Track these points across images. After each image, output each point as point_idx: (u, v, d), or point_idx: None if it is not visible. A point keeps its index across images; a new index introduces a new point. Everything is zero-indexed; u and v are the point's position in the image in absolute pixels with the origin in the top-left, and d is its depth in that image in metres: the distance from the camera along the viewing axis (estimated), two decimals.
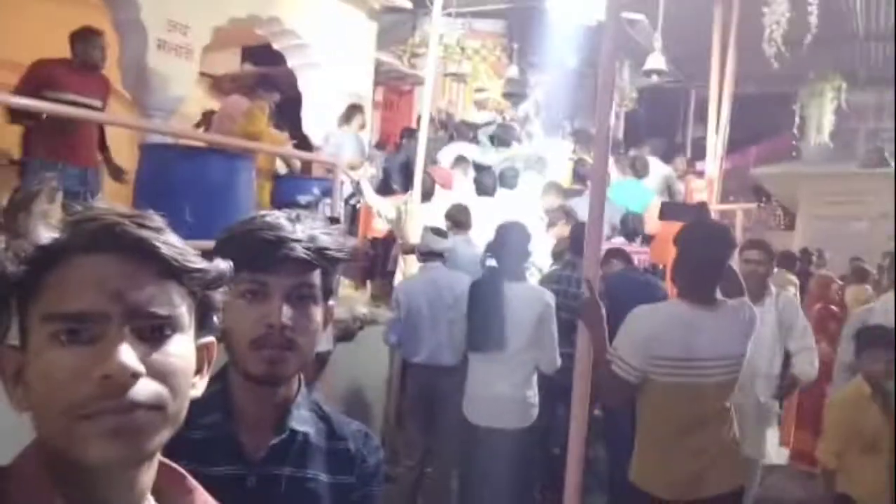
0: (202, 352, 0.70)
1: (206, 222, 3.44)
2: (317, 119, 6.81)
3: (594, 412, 3.57)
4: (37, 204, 0.64)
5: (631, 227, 5.40)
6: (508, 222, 3.52)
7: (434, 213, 5.16)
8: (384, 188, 6.54)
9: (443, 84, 9.87)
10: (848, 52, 10.22)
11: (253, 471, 0.99)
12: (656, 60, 7.47)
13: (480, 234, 4.73)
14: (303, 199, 4.98)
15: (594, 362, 2.40)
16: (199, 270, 0.67)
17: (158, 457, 0.67)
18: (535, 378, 3.33)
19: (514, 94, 9.50)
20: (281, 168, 6.01)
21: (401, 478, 3.81)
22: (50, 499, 0.62)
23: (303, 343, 0.99)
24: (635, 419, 2.52)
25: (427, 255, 3.86)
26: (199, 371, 0.70)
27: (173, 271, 0.65)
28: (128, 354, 0.60)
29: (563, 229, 4.88)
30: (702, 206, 6.32)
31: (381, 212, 5.45)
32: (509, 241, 3.38)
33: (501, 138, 7.39)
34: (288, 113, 6.63)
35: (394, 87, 9.79)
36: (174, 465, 0.71)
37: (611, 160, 4.66)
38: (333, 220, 4.07)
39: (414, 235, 5.09)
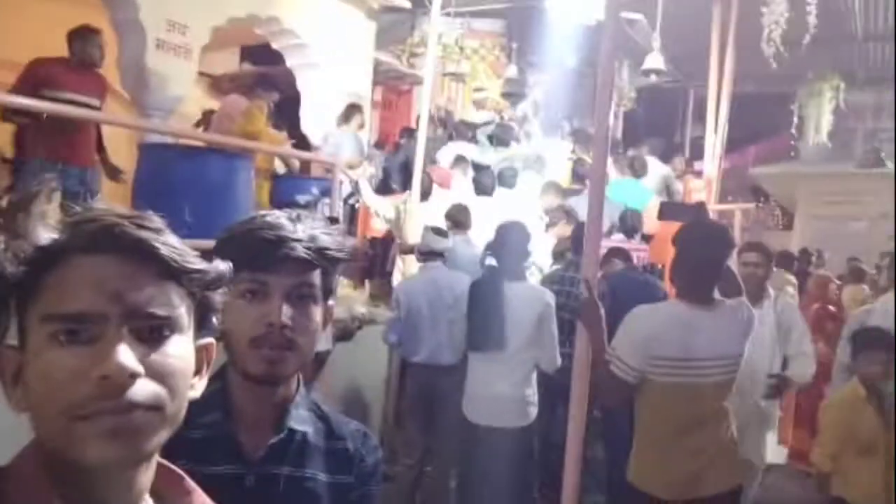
0: (201, 353, 0.70)
1: (205, 222, 3.45)
2: (316, 119, 6.81)
3: (593, 413, 3.57)
4: (36, 205, 0.64)
5: (630, 223, 5.42)
6: (508, 222, 3.52)
7: (432, 213, 5.16)
8: (383, 188, 6.55)
9: (441, 84, 9.88)
10: (846, 52, 10.23)
11: (252, 470, 0.99)
12: (655, 60, 7.48)
13: (479, 233, 4.73)
14: (301, 198, 4.98)
15: (593, 362, 2.40)
16: (198, 271, 0.67)
17: (157, 458, 0.67)
18: (534, 377, 3.34)
19: (513, 93, 9.51)
20: (280, 168, 6.01)
21: (399, 477, 3.81)
22: (48, 499, 0.62)
23: (302, 343, 0.99)
24: (633, 419, 2.52)
25: (427, 254, 3.87)
26: (198, 372, 0.70)
27: (172, 272, 0.65)
28: (126, 355, 0.60)
29: (564, 229, 4.89)
30: (700, 206, 6.33)
31: (380, 212, 5.45)
32: (509, 241, 3.39)
33: (500, 138, 7.40)
34: (286, 112, 6.63)
35: (392, 86, 9.79)
36: (172, 466, 0.71)
37: (609, 160, 4.66)
38: (332, 220, 4.08)
39: (413, 235, 5.10)
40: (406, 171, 5.92)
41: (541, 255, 4.64)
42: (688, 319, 2.32)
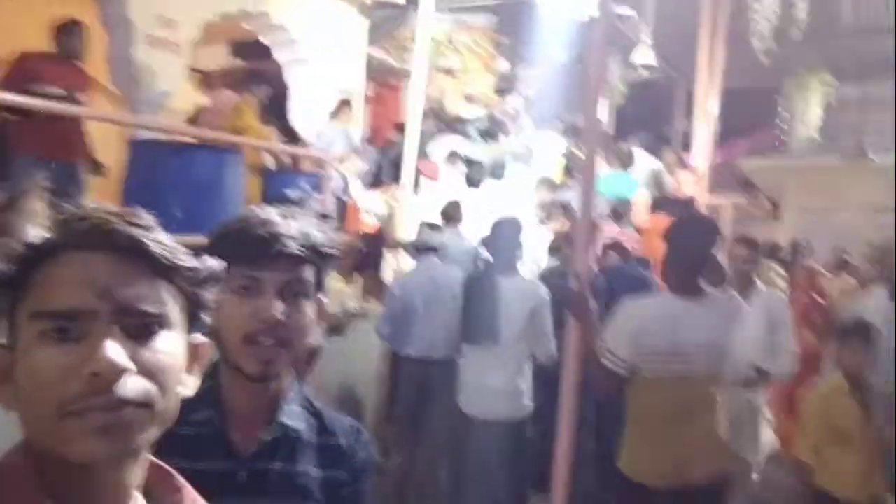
0: (193, 350, 0.70)
1: (195, 218, 3.45)
2: (307, 115, 6.79)
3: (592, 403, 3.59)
4: (26, 203, 0.64)
5: (619, 211, 5.47)
6: (502, 217, 3.53)
7: (421, 205, 5.18)
8: (375, 182, 6.55)
9: (433, 79, 9.85)
10: (835, 46, 10.28)
11: (244, 466, 0.99)
12: (645, 55, 7.50)
13: (470, 226, 4.76)
14: (292, 194, 4.97)
15: (583, 354, 2.42)
16: (189, 269, 0.67)
17: (147, 455, 0.67)
18: (528, 369, 3.36)
19: (504, 88, 9.50)
20: (270, 163, 5.99)
21: (391, 470, 3.83)
22: (38, 497, 0.62)
23: (295, 339, 1.00)
24: (623, 409, 2.54)
25: (422, 249, 3.88)
26: (189, 370, 0.70)
27: (163, 269, 0.65)
28: (116, 352, 0.60)
29: (561, 224, 4.91)
30: (690, 201, 6.37)
31: (370, 208, 5.46)
32: (503, 236, 3.40)
33: (490, 132, 7.41)
34: (276, 108, 6.61)
35: (383, 81, 9.76)
36: (163, 463, 0.71)
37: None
38: (324, 216, 4.08)
39: (403, 228, 5.11)
40: (399, 165, 5.91)
41: (537, 250, 4.66)
42: (677, 311, 2.34)
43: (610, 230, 5.18)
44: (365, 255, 5.16)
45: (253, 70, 6.83)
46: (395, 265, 5.31)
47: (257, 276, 0.99)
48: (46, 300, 0.62)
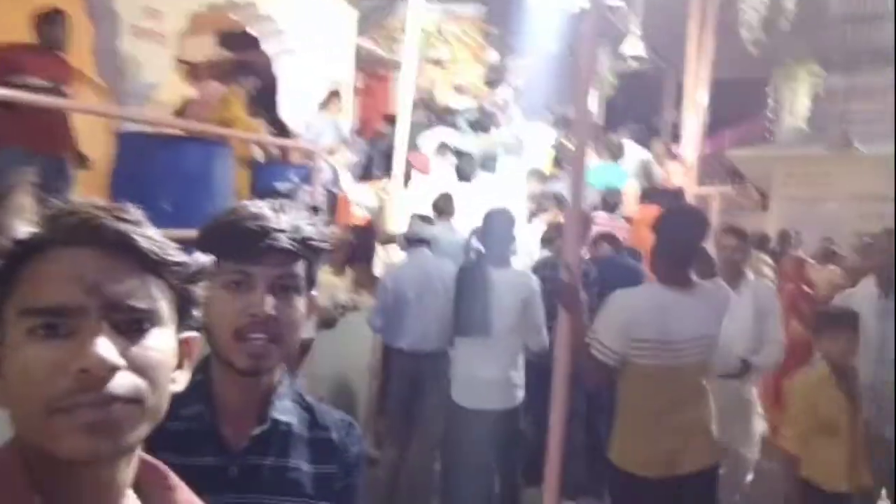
0: (183, 346, 0.70)
1: (184, 211, 3.43)
2: (295, 106, 6.76)
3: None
4: (13, 198, 0.64)
5: (611, 202, 5.49)
6: (494, 209, 3.53)
7: (413, 198, 5.17)
8: (365, 174, 6.53)
9: (423, 70, 9.82)
10: (822, 36, 10.33)
11: (235, 461, 0.99)
12: (635, 46, 7.51)
13: (461, 218, 4.76)
14: (281, 186, 4.95)
15: (573, 345, 2.43)
16: (178, 264, 0.66)
17: (139, 453, 0.67)
18: (521, 360, 3.37)
19: (494, 79, 9.49)
20: (259, 155, 5.95)
21: (384, 461, 3.84)
22: (27, 495, 0.61)
23: (287, 334, 0.99)
24: (614, 399, 2.56)
25: (414, 241, 3.88)
26: (180, 365, 0.69)
27: (152, 265, 0.64)
28: (106, 348, 0.60)
29: (554, 215, 4.92)
30: (679, 191, 6.40)
31: (360, 201, 5.44)
32: (495, 228, 3.41)
33: (481, 124, 7.40)
34: (264, 99, 6.57)
35: (372, 72, 9.72)
36: (156, 461, 0.71)
37: None
38: (314, 209, 4.05)
39: (394, 221, 5.10)
40: (389, 157, 5.90)
41: (529, 242, 4.66)
42: (666, 302, 2.35)
43: (601, 220, 5.20)
44: (355, 248, 5.16)
45: (240, 61, 6.77)
46: (385, 258, 5.30)
47: (248, 271, 0.98)
48: (35, 296, 0.61)
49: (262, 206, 1.00)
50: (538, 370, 3.29)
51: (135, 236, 0.63)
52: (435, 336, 3.71)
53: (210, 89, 5.64)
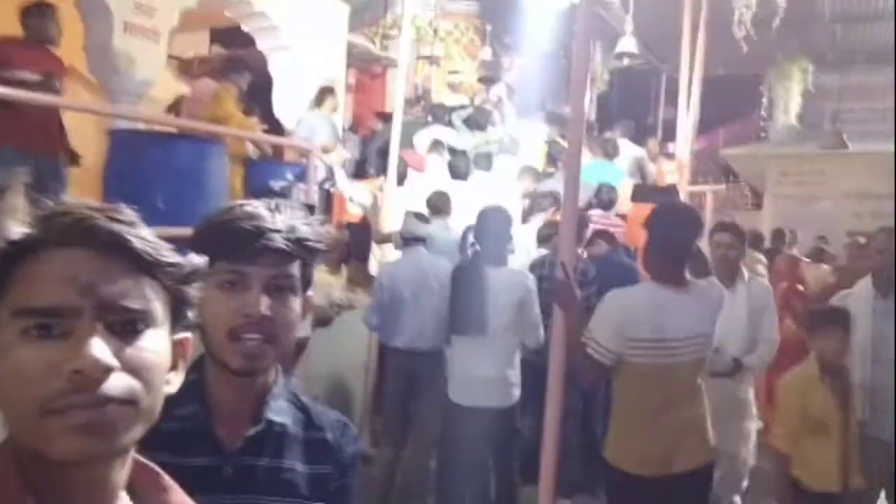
0: (177, 347, 0.70)
1: (178, 209, 3.41)
2: (288, 102, 6.73)
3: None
4: (5, 199, 0.63)
5: (606, 198, 5.49)
6: (489, 207, 3.52)
7: (408, 197, 5.16)
8: (359, 172, 6.51)
9: (416, 66, 9.81)
10: (815, 34, 10.37)
11: (229, 461, 0.98)
12: (628, 43, 7.51)
13: (455, 217, 4.75)
14: (276, 184, 4.93)
15: (569, 344, 2.44)
16: (172, 265, 0.66)
17: (133, 454, 0.67)
18: (517, 358, 3.38)
19: (487, 76, 9.48)
20: (252, 152, 5.93)
21: (379, 460, 3.84)
22: (21, 497, 0.61)
23: (281, 334, 0.99)
24: (609, 398, 2.56)
25: (409, 239, 3.87)
26: (174, 367, 0.69)
27: (146, 266, 0.64)
28: (100, 349, 0.59)
29: (552, 212, 4.91)
30: (671, 189, 6.42)
31: (355, 198, 5.43)
32: (490, 226, 3.40)
33: (477, 122, 7.38)
34: (258, 97, 6.54)
35: (366, 69, 9.70)
36: (149, 462, 0.71)
37: None
38: (308, 207, 4.03)
39: (389, 220, 5.09)
40: (384, 155, 5.89)
41: (525, 240, 4.66)
42: (661, 301, 2.36)
43: (597, 218, 5.20)
44: (351, 246, 5.15)
45: (233, 57, 6.74)
46: (380, 256, 5.30)
47: (243, 271, 0.97)
48: (28, 297, 0.61)
49: (257, 206, 1.00)
50: (535, 368, 3.29)
51: (129, 237, 0.63)
52: (431, 334, 3.71)
53: (201, 86, 5.61)
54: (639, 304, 2.37)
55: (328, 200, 5.57)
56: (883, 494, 3.01)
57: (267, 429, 1.01)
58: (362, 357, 4.54)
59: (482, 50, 9.69)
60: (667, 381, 2.38)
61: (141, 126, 4.67)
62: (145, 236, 0.65)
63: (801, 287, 5.65)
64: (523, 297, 3.31)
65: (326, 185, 5.53)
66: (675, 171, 7.30)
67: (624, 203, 6.02)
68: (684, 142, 7.14)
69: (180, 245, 0.83)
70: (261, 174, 5.14)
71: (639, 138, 8.18)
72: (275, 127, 6.63)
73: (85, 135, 4.55)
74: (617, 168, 6.68)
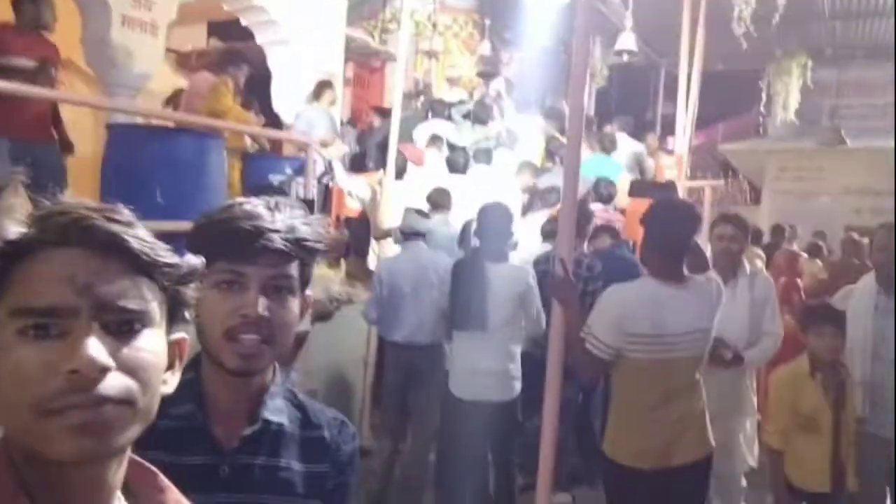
0: (174, 347, 0.70)
1: (177, 203, 3.41)
2: (286, 96, 6.71)
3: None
4: (3, 198, 0.63)
5: (605, 192, 5.47)
6: (490, 203, 3.52)
7: (407, 191, 5.15)
8: (358, 166, 6.50)
9: (415, 61, 9.78)
10: (814, 30, 10.36)
11: (226, 460, 0.98)
12: (628, 40, 7.49)
13: (456, 213, 4.75)
14: (275, 178, 4.91)
15: (567, 339, 2.44)
16: (169, 265, 0.66)
17: (129, 454, 0.67)
18: (518, 353, 3.39)
19: (486, 71, 9.46)
20: (251, 146, 5.91)
21: (378, 453, 3.85)
22: (16, 498, 0.61)
23: (279, 335, 0.98)
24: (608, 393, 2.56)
25: (409, 234, 3.88)
26: (170, 367, 0.69)
27: (144, 266, 0.64)
28: (96, 349, 0.59)
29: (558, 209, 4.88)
30: (669, 184, 6.41)
31: (353, 193, 5.42)
32: (491, 222, 3.40)
33: (479, 116, 7.35)
34: (257, 91, 6.52)
35: (364, 63, 9.67)
36: (146, 463, 0.71)
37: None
38: (307, 202, 4.02)
39: (388, 214, 5.09)
40: (383, 149, 5.88)
41: (526, 236, 4.65)
42: (659, 296, 2.36)
43: (598, 213, 5.19)
44: (349, 240, 5.14)
45: (230, 51, 6.71)
46: (378, 250, 5.29)
47: (240, 271, 0.97)
48: (26, 297, 0.61)
49: (256, 205, 0.99)
50: (537, 362, 3.30)
51: (126, 237, 0.63)
52: (430, 329, 3.72)
53: (200, 80, 5.59)
54: (637, 299, 2.38)
55: (327, 195, 5.56)
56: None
57: (263, 428, 1.01)
58: (361, 351, 4.55)
59: (481, 44, 9.66)
60: (665, 376, 2.38)
61: (139, 120, 4.65)
62: (143, 236, 0.65)
63: (800, 282, 5.67)
64: (523, 292, 3.32)
65: (325, 180, 5.52)
66: (673, 166, 7.30)
67: (622, 198, 6.02)
68: (683, 137, 7.13)
69: (179, 239, 0.83)
70: (259, 168, 5.13)
71: (638, 133, 8.16)
72: (273, 121, 6.61)
73: (83, 129, 4.55)
74: (615, 163, 6.67)
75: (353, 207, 5.66)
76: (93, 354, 0.59)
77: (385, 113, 7.00)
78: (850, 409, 2.77)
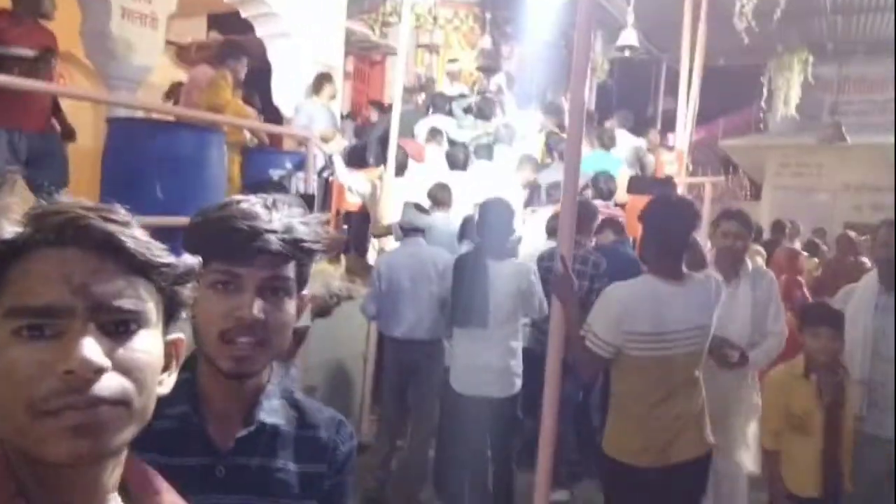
0: (170, 348, 0.69)
1: (177, 198, 3.40)
2: (286, 90, 6.69)
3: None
4: None
5: (604, 187, 5.45)
6: (491, 199, 3.51)
7: (408, 187, 5.14)
8: (357, 160, 6.48)
9: (416, 55, 9.75)
10: (815, 25, 10.32)
11: (221, 461, 0.97)
12: (629, 36, 7.46)
13: (457, 208, 4.74)
14: (275, 173, 4.90)
15: (567, 337, 2.44)
16: (166, 265, 0.66)
17: (125, 455, 0.66)
18: (519, 349, 3.40)
19: (487, 65, 9.43)
20: (250, 141, 5.89)
21: (378, 448, 3.85)
22: (13, 499, 0.61)
23: (274, 337, 0.97)
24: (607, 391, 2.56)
25: (409, 230, 3.87)
26: (166, 367, 0.69)
27: (140, 266, 0.64)
28: (92, 349, 0.59)
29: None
30: (668, 181, 6.39)
31: (354, 187, 5.41)
32: (492, 219, 3.40)
33: (482, 111, 7.32)
34: (257, 84, 6.50)
35: (364, 57, 9.64)
36: (143, 463, 0.71)
37: None
38: (306, 197, 4.00)
39: (388, 210, 5.08)
40: (384, 144, 5.85)
41: (530, 231, 4.64)
42: (659, 294, 2.36)
43: (603, 208, 5.17)
44: (349, 235, 5.14)
45: (231, 43, 6.68)
46: (378, 246, 5.28)
47: (236, 272, 0.95)
48: (21, 297, 0.61)
49: (254, 204, 0.97)
50: (538, 358, 3.31)
51: (122, 237, 0.63)
52: (429, 324, 3.72)
53: (200, 73, 5.57)
54: (637, 297, 2.38)
55: (327, 189, 5.55)
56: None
57: (259, 429, 1.00)
58: (361, 347, 4.55)
59: (482, 38, 9.63)
60: (665, 374, 2.38)
61: (139, 114, 4.63)
62: (139, 237, 0.64)
63: (800, 278, 5.66)
64: (525, 288, 3.33)
65: (325, 174, 5.50)
66: (674, 161, 7.28)
67: (621, 193, 6.00)
68: (684, 132, 7.12)
69: (179, 235, 0.82)
70: (259, 163, 5.11)
71: (638, 129, 8.14)
72: (273, 115, 6.59)
73: (83, 122, 4.53)
74: (615, 158, 6.65)
75: (353, 202, 5.65)
76: (88, 355, 0.58)
77: (383, 107, 6.98)
78: (848, 411, 2.73)
